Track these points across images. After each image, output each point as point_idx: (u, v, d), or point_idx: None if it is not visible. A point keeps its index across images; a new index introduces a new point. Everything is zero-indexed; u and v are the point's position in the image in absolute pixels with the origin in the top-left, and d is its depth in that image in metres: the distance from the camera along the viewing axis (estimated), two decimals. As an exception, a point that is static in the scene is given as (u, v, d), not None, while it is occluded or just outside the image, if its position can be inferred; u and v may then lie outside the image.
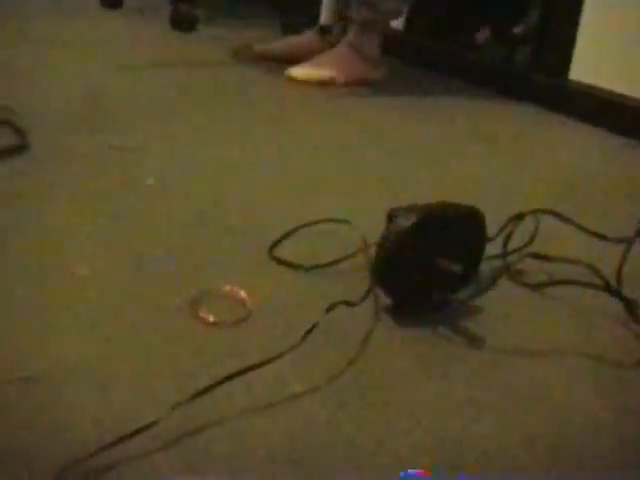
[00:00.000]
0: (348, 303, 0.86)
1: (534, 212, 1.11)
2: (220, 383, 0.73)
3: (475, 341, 0.90)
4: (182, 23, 2.66)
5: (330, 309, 0.83)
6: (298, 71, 2.00)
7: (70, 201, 1.17)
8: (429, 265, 0.92)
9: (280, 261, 1.02)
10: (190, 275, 0.98)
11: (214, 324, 0.87)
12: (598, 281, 0.98)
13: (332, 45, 2.13)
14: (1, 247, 1.01)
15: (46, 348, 0.81)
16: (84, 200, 1.17)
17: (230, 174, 1.33)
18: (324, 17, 2.08)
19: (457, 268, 0.91)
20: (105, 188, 1.22)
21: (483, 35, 2.33)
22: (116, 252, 1.02)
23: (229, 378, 0.74)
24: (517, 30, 2.27)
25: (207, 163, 1.37)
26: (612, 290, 0.98)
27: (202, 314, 0.88)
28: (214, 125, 1.58)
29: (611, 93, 1.92)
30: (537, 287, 1.03)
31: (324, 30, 2.08)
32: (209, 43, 2.46)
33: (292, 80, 1.99)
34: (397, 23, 2.45)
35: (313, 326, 0.81)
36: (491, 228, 1.01)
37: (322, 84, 1.99)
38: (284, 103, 1.82)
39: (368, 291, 0.91)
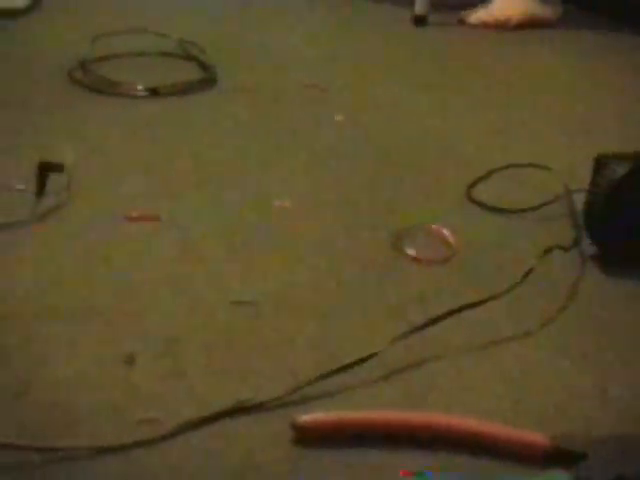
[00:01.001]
0: (562, 248, 0.84)
1: None
2: (439, 319, 0.73)
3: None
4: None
5: (546, 252, 0.81)
6: (472, 15, 1.95)
7: (264, 135, 1.19)
8: (641, 216, 0.88)
9: (480, 203, 1.00)
10: (389, 211, 0.98)
11: (420, 261, 0.86)
12: None
13: None
14: (200, 178, 1.04)
15: (254, 275, 0.83)
16: (278, 134, 1.19)
17: (418, 114, 1.31)
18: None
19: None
20: (297, 124, 1.23)
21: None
22: (316, 185, 1.04)
23: (447, 315, 0.74)
24: None
25: (393, 103, 1.35)
26: None
27: (408, 250, 0.87)
28: (400, 67, 1.56)
29: None
30: None
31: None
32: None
33: (465, 24, 1.94)
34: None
35: (531, 268, 0.79)
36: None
37: (497, 27, 1.93)
38: (465, 46, 1.78)
39: (576, 239, 0.89)
